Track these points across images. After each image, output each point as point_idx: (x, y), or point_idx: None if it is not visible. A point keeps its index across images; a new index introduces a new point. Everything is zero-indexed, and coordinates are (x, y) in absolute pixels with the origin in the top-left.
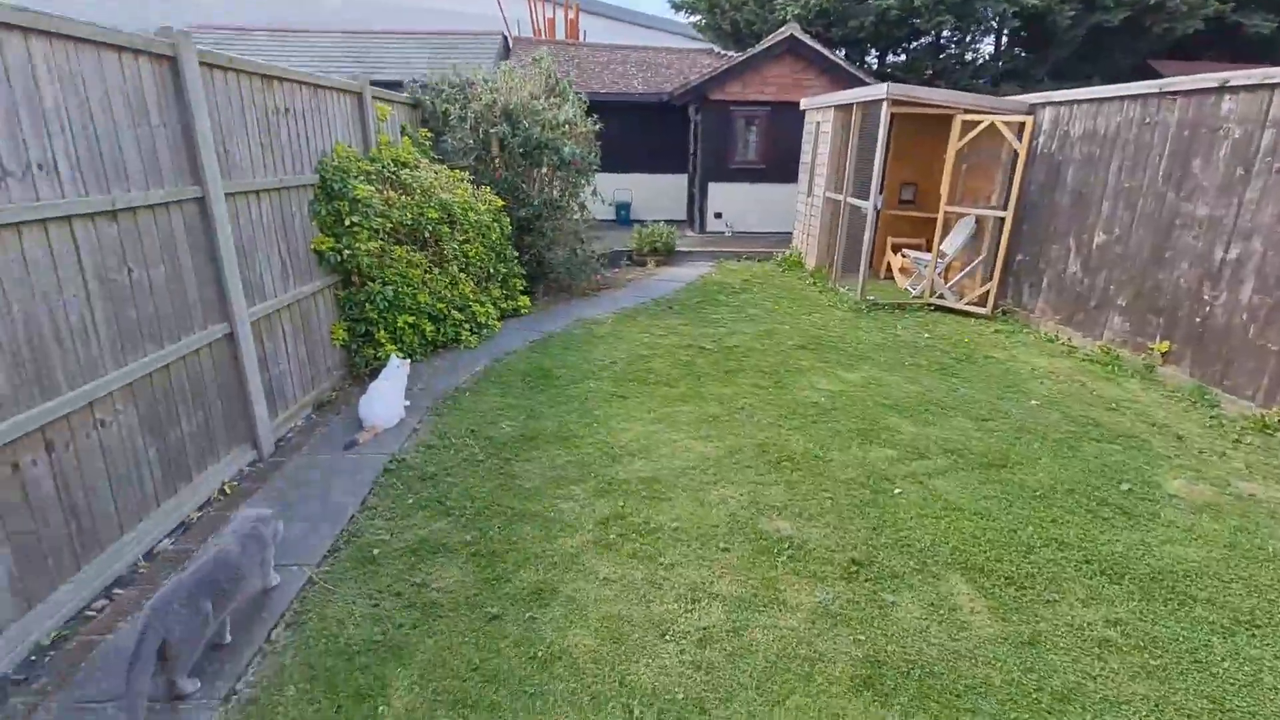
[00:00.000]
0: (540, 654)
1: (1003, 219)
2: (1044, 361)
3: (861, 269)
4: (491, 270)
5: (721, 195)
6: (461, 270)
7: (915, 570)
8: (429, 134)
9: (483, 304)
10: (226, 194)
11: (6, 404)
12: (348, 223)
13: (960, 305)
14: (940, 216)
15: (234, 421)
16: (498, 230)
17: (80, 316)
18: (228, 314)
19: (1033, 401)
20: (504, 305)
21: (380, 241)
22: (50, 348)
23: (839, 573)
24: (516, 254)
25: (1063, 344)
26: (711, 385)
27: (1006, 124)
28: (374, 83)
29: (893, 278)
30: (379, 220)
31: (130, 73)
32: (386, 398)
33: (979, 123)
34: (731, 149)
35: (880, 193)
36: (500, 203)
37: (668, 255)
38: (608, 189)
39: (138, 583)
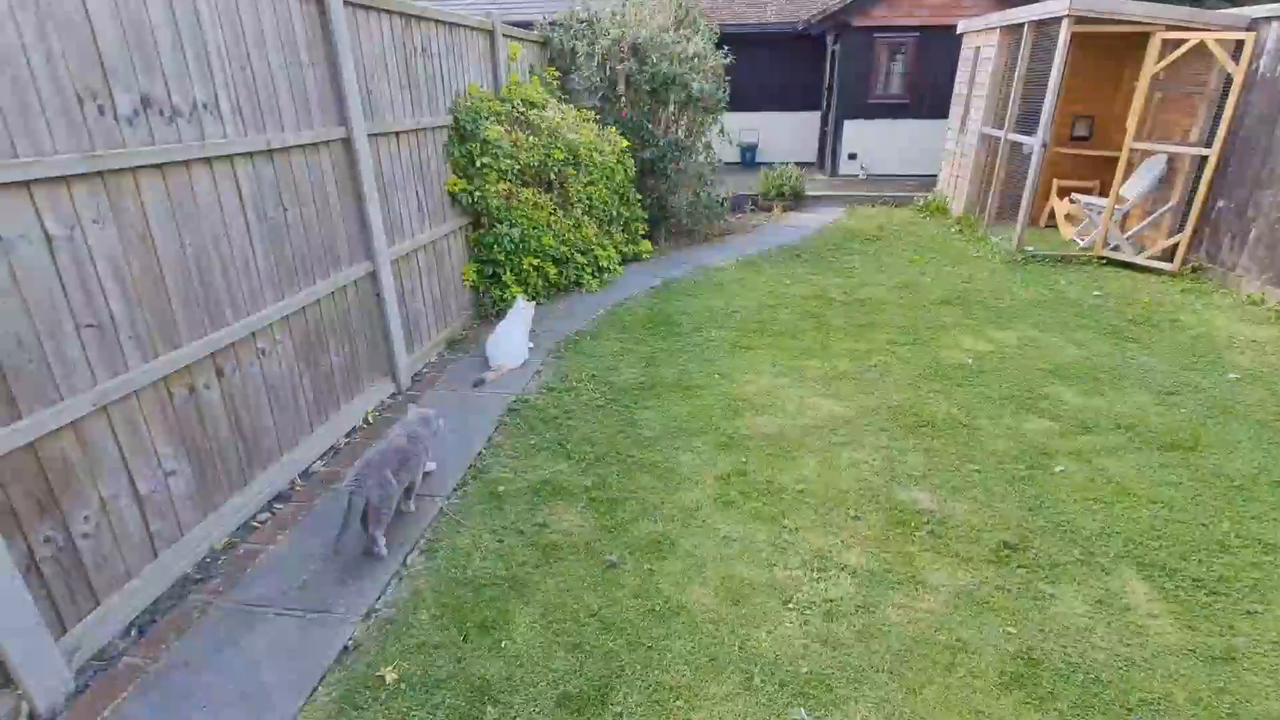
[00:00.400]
0: (658, 607)
1: (1204, 158)
2: (1246, 329)
3: (1021, 215)
4: (614, 213)
5: (858, 134)
6: (585, 213)
7: (1079, 561)
8: (556, 72)
9: (604, 248)
10: (370, 135)
11: (183, 331)
12: (478, 164)
13: (1140, 259)
14: (1124, 155)
15: (376, 356)
16: (622, 172)
17: (243, 252)
18: (371, 253)
19: (1231, 375)
20: (625, 249)
21: (508, 183)
22: (217, 281)
23: (987, 555)
24: (639, 197)
25: (1272, 308)
26: (842, 340)
27: (1220, 42)
28: (508, 22)
29: (1054, 226)
30: (507, 162)
31: (281, 11)
32: (512, 339)
33: (1184, 41)
34: (872, 81)
35: (1049, 128)
36: (625, 143)
37: (795, 200)
38: (732, 129)
39: (295, 498)
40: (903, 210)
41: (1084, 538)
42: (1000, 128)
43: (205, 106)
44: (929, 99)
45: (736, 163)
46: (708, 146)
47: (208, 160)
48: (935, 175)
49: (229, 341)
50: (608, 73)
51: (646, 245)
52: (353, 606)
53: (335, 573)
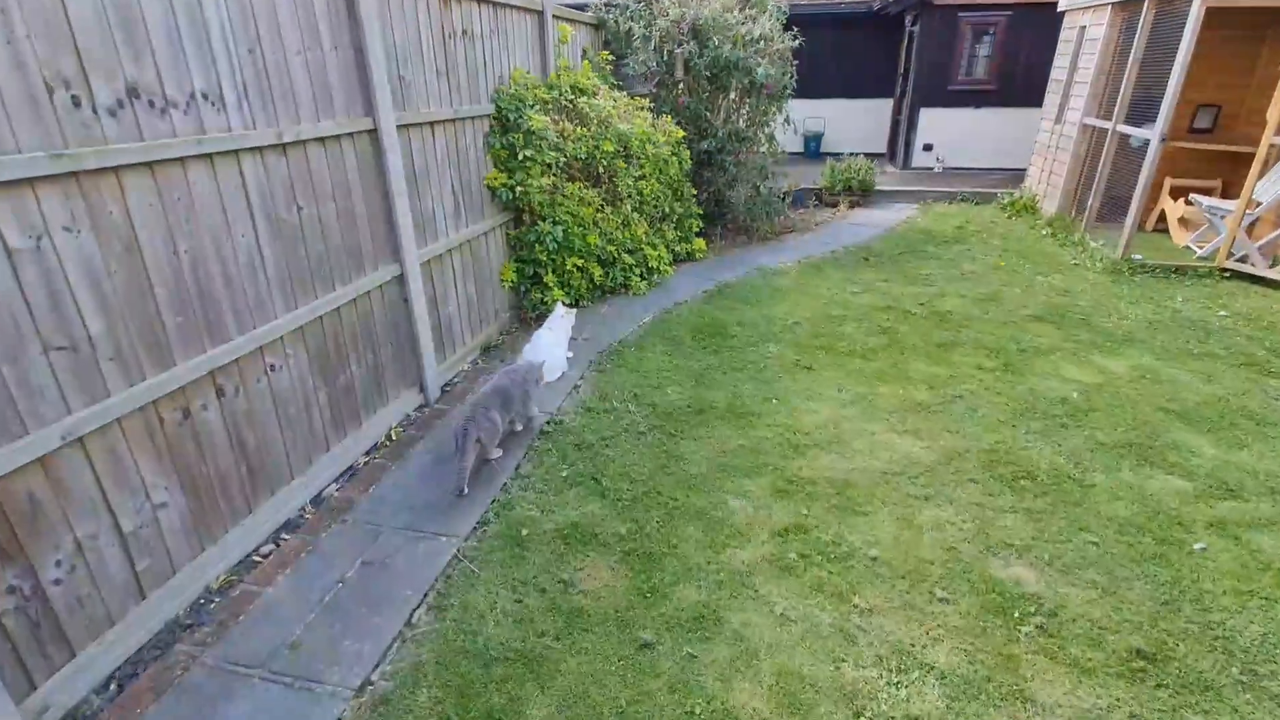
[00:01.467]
0: (698, 710)
1: None
2: None
3: (1129, 218)
4: (667, 210)
5: (935, 123)
6: (635, 209)
7: (1238, 683)
8: (609, 56)
9: (655, 247)
10: (399, 126)
11: (176, 348)
12: (521, 157)
13: (1273, 274)
14: (1262, 151)
15: (402, 365)
16: (676, 165)
17: (249, 258)
18: (398, 255)
19: None
20: (677, 248)
21: (553, 177)
22: (218, 291)
23: (1115, 665)
24: (694, 192)
25: None
26: (918, 361)
27: None
28: (560, 2)
29: (1164, 231)
30: (552, 154)
31: None
32: (550, 349)
33: None
34: (954, 66)
35: (1169, 118)
36: (680, 134)
37: (863, 195)
38: (797, 117)
39: (304, 528)
40: (984, 209)
41: (1241, 648)
42: (1107, 118)
43: (205, 96)
44: (1017, 86)
45: (799, 153)
46: (770, 138)
47: (207, 157)
48: (1021, 170)
49: (232, 358)
50: (665, 56)
51: (700, 244)
52: (346, 676)
53: (333, 626)
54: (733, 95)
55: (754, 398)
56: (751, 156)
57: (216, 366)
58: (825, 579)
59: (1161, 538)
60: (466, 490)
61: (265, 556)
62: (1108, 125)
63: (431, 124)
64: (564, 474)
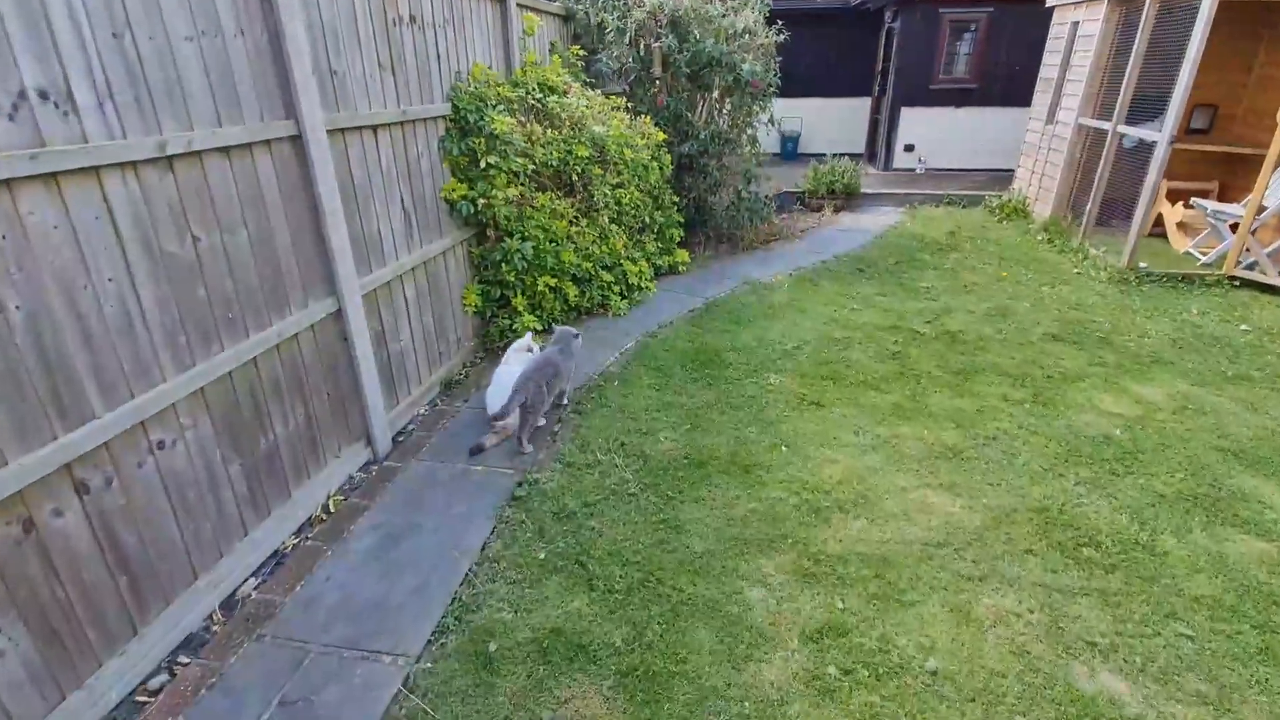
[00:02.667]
0: None
1: None
2: None
3: (1135, 224)
4: (647, 219)
5: (916, 123)
6: (613, 220)
7: None
8: (580, 51)
9: (635, 261)
10: (332, 130)
11: (7, 442)
12: (483, 164)
13: None
14: (1274, 153)
15: (343, 417)
16: (657, 171)
17: (120, 308)
18: (334, 287)
19: None
20: (659, 261)
21: (520, 187)
22: (73, 356)
23: None
24: (675, 199)
25: None
26: (938, 393)
27: None
28: None
29: (1162, 235)
30: (519, 161)
31: None
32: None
33: None
34: (935, 64)
35: (1178, 118)
36: (661, 136)
37: (847, 198)
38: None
39: (210, 645)
40: (973, 212)
41: None
42: (1104, 118)
43: (44, 96)
44: (1000, 84)
45: (776, 153)
46: (753, 139)
47: (48, 177)
48: (1005, 171)
49: (98, 442)
50: (641, 51)
51: (683, 255)
52: None
53: None
54: (715, 94)
55: (760, 444)
56: (735, 160)
57: (75, 457)
58: (878, 708)
59: (1261, 623)
60: (525, 445)
61: (155, 693)
62: (1106, 126)
63: (374, 127)
64: (541, 555)
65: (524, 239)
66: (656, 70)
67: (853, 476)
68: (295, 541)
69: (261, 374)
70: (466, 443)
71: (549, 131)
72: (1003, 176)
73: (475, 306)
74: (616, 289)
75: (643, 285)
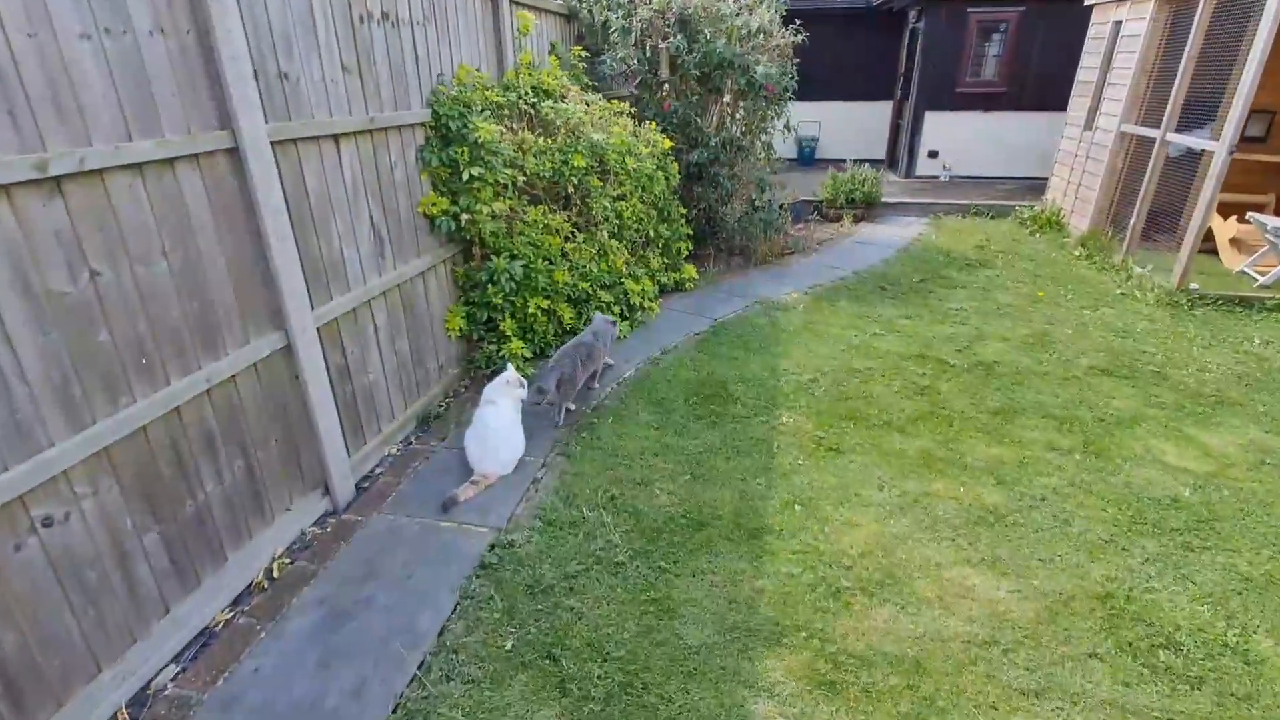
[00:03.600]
0: None
1: None
2: None
3: (1188, 242)
4: (651, 234)
5: (940, 128)
6: (613, 235)
7: None
8: (582, 52)
9: (637, 279)
10: (279, 141)
11: None
12: (466, 176)
13: None
14: None
15: (294, 465)
16: (663, 181)
17: None
18: (282, 319)
19: None
20: (664, 278)
21: (509, 200)
22: None
23: None
24: (683, 211)
25: None
26: (974, 438)
27: None
28: None
29: (1211, 251)
30: (507, 172)
31: None
32: (499, 432)
33: None
34: (962, 66)
35: (1239, 124)
36: (667, 144)
37: (867, 208)
38: (792, 121)
39: None
40: (1002, 223)
41: None
42: (1150, 125)
43: None
44: (1030, 87)
45: (793, 159)
46: (768, 146)
47: None
48: (1035, 179)
49: None
50: (647, 53)
51: (691, 270)
52: None
53: None
54: (726, 98)
55: (770, 500)
56: (748, 168)
57: None
58: None
59: None
60: (561, 421)
61: None
62: (1153, 134)
63: (335, 137)
64: (509, 645)
65: (513, 257)
66: (664, 73)
67: (878, 546)
68: (229, 616)
69: (187, 425)
70: (439, 491)
71: (542, 140)
72: (1033, 186)
73: (459, 331)
74: (617, 309)
75: (645, 305)
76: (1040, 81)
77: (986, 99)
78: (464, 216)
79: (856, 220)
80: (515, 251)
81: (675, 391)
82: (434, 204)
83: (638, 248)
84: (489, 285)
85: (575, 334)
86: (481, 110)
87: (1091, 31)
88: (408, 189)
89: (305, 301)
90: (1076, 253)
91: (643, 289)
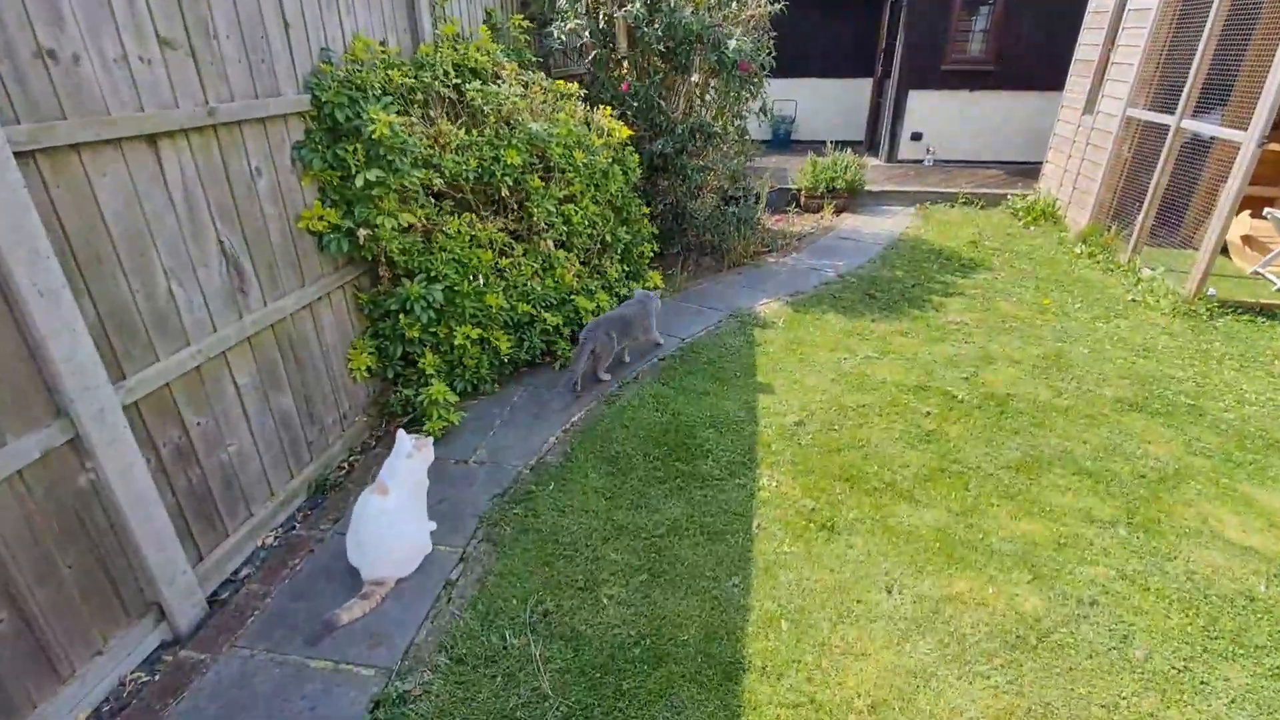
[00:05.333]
0: None
1: None
2: None
3: (1207, 245)
4: (608, 238)
5: (925, 108)
6: (560, 244)
7: None
8: (524, 22)
9: (592, 294)
10: (40, 150)
11: None
12: (361, 182)
13: None
14: None
15: (104, 594)
16: (620, 177)
17: None
18: (59, 406)
19: None
20: (624, 290)
21: (422, 209)
22: None
23: None
24: (645, 209)
25: None
26: (996, 507)
27: None
28: None
29: (1224, 251)
30: (418, 174)
31: None
32: (394, 524)
33: None
34: (948, 41)
35: (1272, 112)
36: (626, 132)
37: (849, 196)
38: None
39: None
40: (993, 214)
41: None
42: (1165, 109)
43: None
44: (1021, 65)
45: (767, 140)
46: (741, 132)
47: None
48: (1026, 164)
49: None
50: (602, 24)
51: (656, 278)
52: None
53: None
54: (695, 77)
55: (749, 614)
56: (719, 158)
57: None
58: None
59: None
60: (579, 386)
61: None
62: (1167, 120)
63: (151, 138)
64: None
65: (431, 279)
66: (621, 47)
67: (893, 692)
68: None
69: None
70: (318, 607)
71: (465, 132)
72: (1023, 171)
73: (368, 369)
74: (567, 331)
75: None
76: (1032, 59)
77: (974, 77)
78: (362, 232)
79: (838, 211)
80: (434, 272)
81: (633, 443)
82: (320, 218)
83: (592, 256)
84: (400, 314)
85: (514, 364)
86: (380, 95)
87: (1093, 4)
88: (280, 201)
89: (99, 375)
90: (1077, 250)
91: (598, 306)
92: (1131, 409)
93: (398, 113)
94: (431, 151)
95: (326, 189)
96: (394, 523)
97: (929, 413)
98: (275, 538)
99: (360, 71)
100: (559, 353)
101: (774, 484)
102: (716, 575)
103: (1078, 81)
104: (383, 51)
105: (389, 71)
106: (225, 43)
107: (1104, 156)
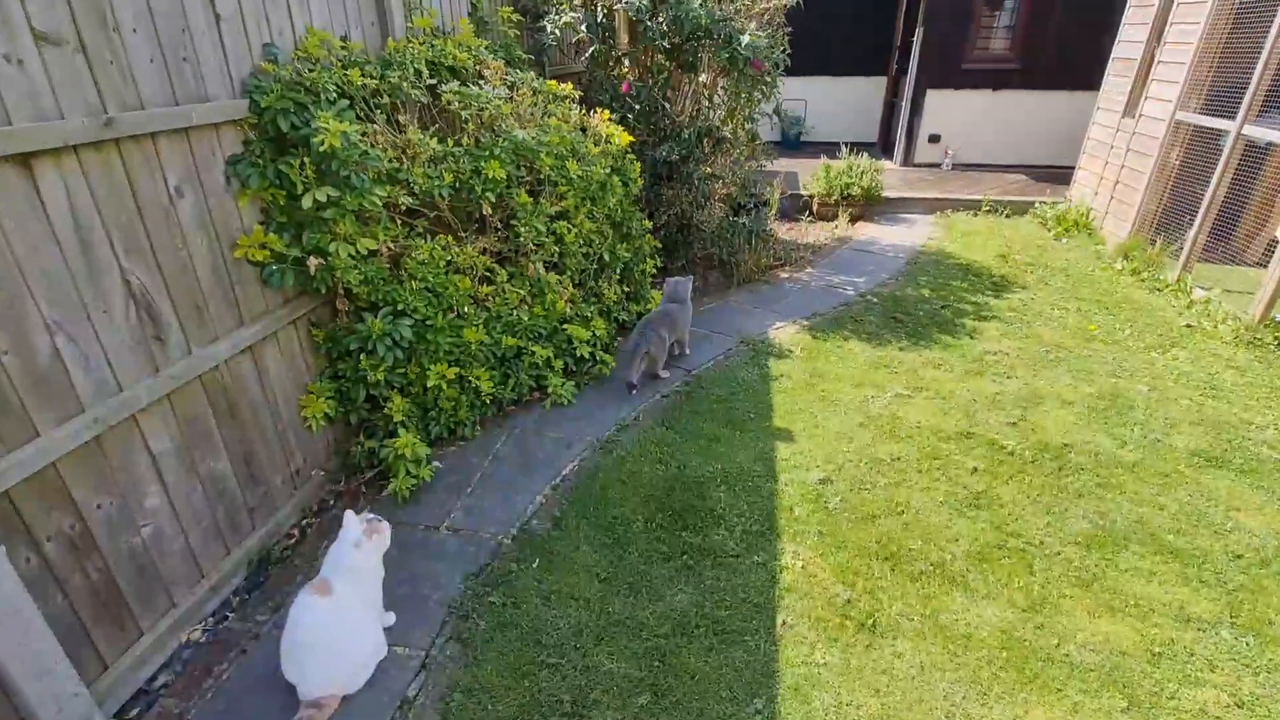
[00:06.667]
0: None
1: None
2: None
3: (1277, 265)
4: (606, 257)
5: (944, 109)
6: (552, 266)
7: None
8: (514, 15)
9: (588, 321)
10: None
11: None
12: (310, 202)
13: None
14: None
15: None
16: (620, 189)
17: None
18: None
19: None
20: (622, 314)
21: (387, 232)
22: None
23: None
24: (646, 224)
25: None
26: (1069, 599)
27: None
28: None
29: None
30: (379, 194)
31: None
32: (338, 631)
33: None
34: (968, 37)
35: None
36: (626, 139)
37: (866, 204)
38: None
39: None
40: (1020, 224)
41: None
42: (1222, 112)
43: None
44: (1048, 63)
45: (777, 142)
46: (753, 136)
47: None
48: (1055, 169)
49: None
50: (600, 17)
51: (658, 298)
52: None
53: None
54: (703, 76)
55: None
56: (728, 164)
57: None
58: None
59: None
60: (635, 384)
61: None
62: (1226, 125)
63: (18, 159)
64: None
65: (397, 314)
66: (622, 43)
67: None
68: None
69: None
70: None
71: (437, 141)
72: (1051, 176)
73: (326, 415)
74: (559, 364)
75: (599, 357)
76: (1061, 56)
77: (997, 76)
78: (313, 261)
79: (854, 220)
80: (401, 304)
81: (633, 504)
82: (261, 245)
83: (588, 277)
84: (363, 355)
85: (498, 403)
86: (335, 99)
87: None
88: (210, 227)
89: None
90: (1118, 266)
91: (594, 335)
92: (1210, 464)
93: (360, 119)
94: (397, 165)
95: (272, 211)
96: (337, 629)
97: (975, 469)
98: (204, 631)
99: (313, 71)
100: (550, 389)
101: (799, 563)
102: (735, 695)
103: (1117, 81)
104: (343, 48)
105: (347, 71)
106: (132, 37)
107: (1148, 164)
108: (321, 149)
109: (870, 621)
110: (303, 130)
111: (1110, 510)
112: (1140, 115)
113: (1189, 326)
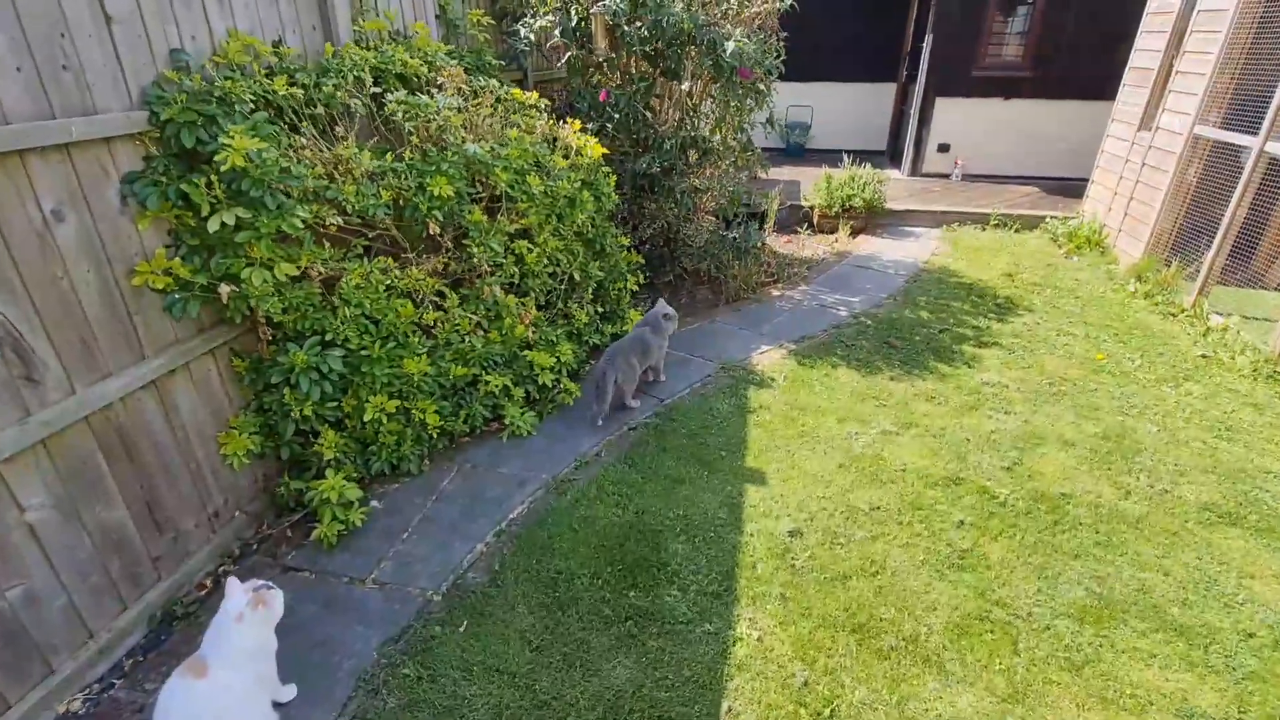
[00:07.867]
0: None
1: None
2: None
3: None
4: (576, 276)
5: (953, 117)
6: (512, 288)
7: None
8: (485, 18)
9: (554, 345)
10: None
11: None
12: (217, 224)
13: None
14: None
15: None
16: (591, 204)
17: None
18: None
19: None
20: (595, 337)
21: (317, 253)
22: None
23: None
24: (624, 241)
25: None
26: (1056, 690)
27: None
28: None
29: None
30: (301, 214)
31: None
32: (217, 718)
33: None
34: (980, 44)
35: None
36: (599, 151)
37: (868, 216)
38: (778, 106)
39: None
40: (1029, 239)
41: None
42: (1244, 128)
43: None
44: (1062, 72)
45: (779, 150)
46: (745, 146)
47: None
48: (1067, 181)
49: None
50: (577, 18)
51: (637, 318)
52: None
53: None
54: (687, 84)
55: None
56: (717, 176)
57: None
58: None
59: None
60: (601, 422)
61: None
62: (1248, 142)
63: None
64: None
65: (326, 344)
66: (600, 47)
67: None
68: None
69: None
70: None
71: (375, 157)
72: (1062, 188)
73: (250, 452)
74: (519, 392)
75: (563, 385)
76: (1075, 66)
77: (1007, 84)
78: (224, 289)
79: (855, 233)
80: (330, 333)
81: (581, 556)
82: (164, 271)
83: (556, 298)
84: (286, 388)
85: (448, 434)
86: (252, 110)
87: (1153, 5)
88: (100, 253)
89: None
90: (1130, 288)
91: (559, 361)
92: (1221, 520)
93: (289, 130)
94: (327, 183)
95: (181, 234)
96: (213, 718)
97: (962, 522)
98: (84, 701)
99: (228, 80)
100: (508, 420)
101: (755, 634)
102: None
103: (1133, 92)
104: (274, 54)
105: (272, 79)
106: None
107: (1164, 180)
108: (224, 167)
109: (827, 711)
110: (210, 145)
111: (1109, 575)
112: (1157, 128)
113: (1204, 357)
